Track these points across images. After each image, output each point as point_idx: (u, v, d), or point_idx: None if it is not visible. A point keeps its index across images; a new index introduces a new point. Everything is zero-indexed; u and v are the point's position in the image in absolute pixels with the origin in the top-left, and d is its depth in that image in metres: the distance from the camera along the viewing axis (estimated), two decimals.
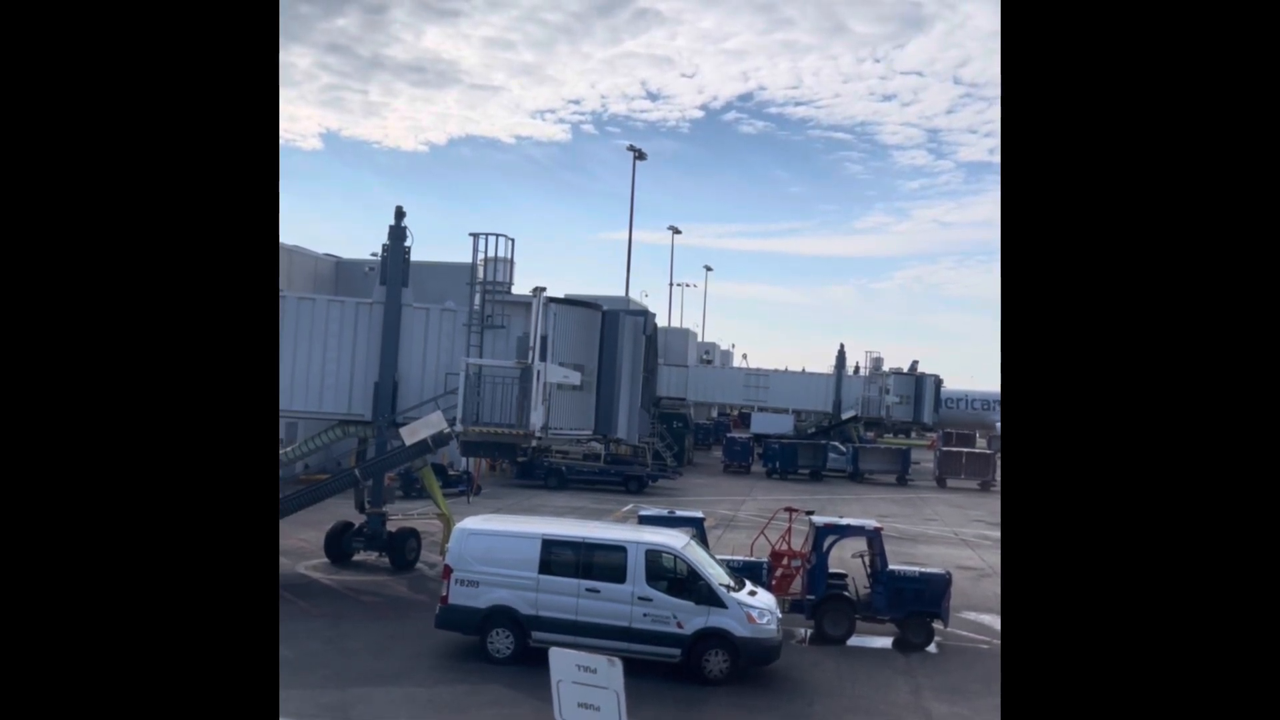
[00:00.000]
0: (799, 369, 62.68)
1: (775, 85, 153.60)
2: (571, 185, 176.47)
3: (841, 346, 59.35)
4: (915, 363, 64.23)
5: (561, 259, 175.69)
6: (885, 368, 62.66)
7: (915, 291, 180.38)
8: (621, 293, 53.40)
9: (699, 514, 18.71)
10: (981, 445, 58.55)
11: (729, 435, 51.52)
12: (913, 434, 72.47)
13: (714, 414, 65.80)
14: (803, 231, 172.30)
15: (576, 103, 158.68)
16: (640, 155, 56.94)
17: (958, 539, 30.24)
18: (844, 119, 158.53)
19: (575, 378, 19.51)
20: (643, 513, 18.27)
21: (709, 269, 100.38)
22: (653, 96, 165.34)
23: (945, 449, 49.38)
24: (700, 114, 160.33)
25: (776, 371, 62.98)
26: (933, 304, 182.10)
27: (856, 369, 61.65)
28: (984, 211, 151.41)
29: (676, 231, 79.47)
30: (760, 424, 60.71)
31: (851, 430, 59.20)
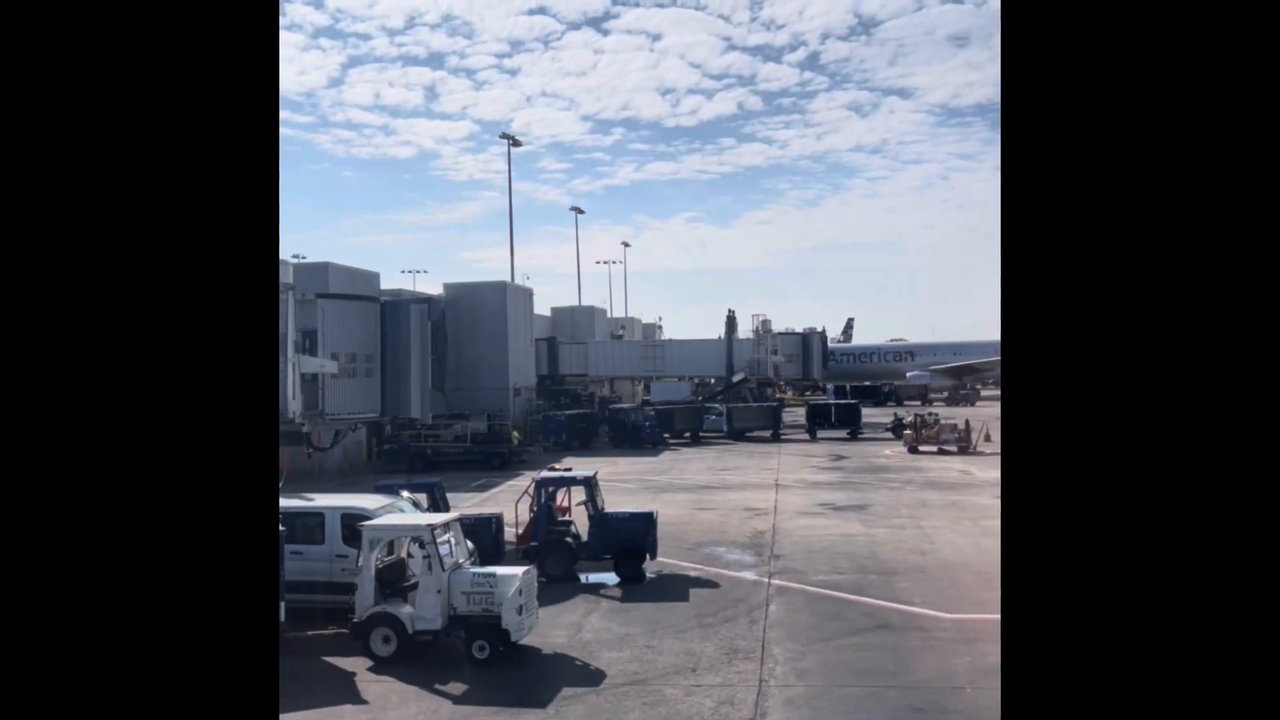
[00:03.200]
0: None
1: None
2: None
3: (731, 311, 61.54)
4: (850, 320, 65.95)
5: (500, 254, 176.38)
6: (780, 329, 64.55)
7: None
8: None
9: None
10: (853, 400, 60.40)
11: (611, 408, 53.28)
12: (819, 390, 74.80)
13: (606, 389, 67.68)
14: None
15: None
16: (515, 143, 58.63)
17: (774, 484, 32.49)
18: None
19: (332, 367, 21.39)
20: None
21: (626, 245, 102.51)
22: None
23: (814, 402, 51.56)
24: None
25: (671, 341, 65.09)
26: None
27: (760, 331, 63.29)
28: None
29: (580, 212, 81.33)
30: (659, 393, 62.81)
31: (745, 392, 61.48)
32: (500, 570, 14.73)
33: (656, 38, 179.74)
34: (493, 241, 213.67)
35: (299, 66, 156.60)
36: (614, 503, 23.54)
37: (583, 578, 19.10)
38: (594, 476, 20.03)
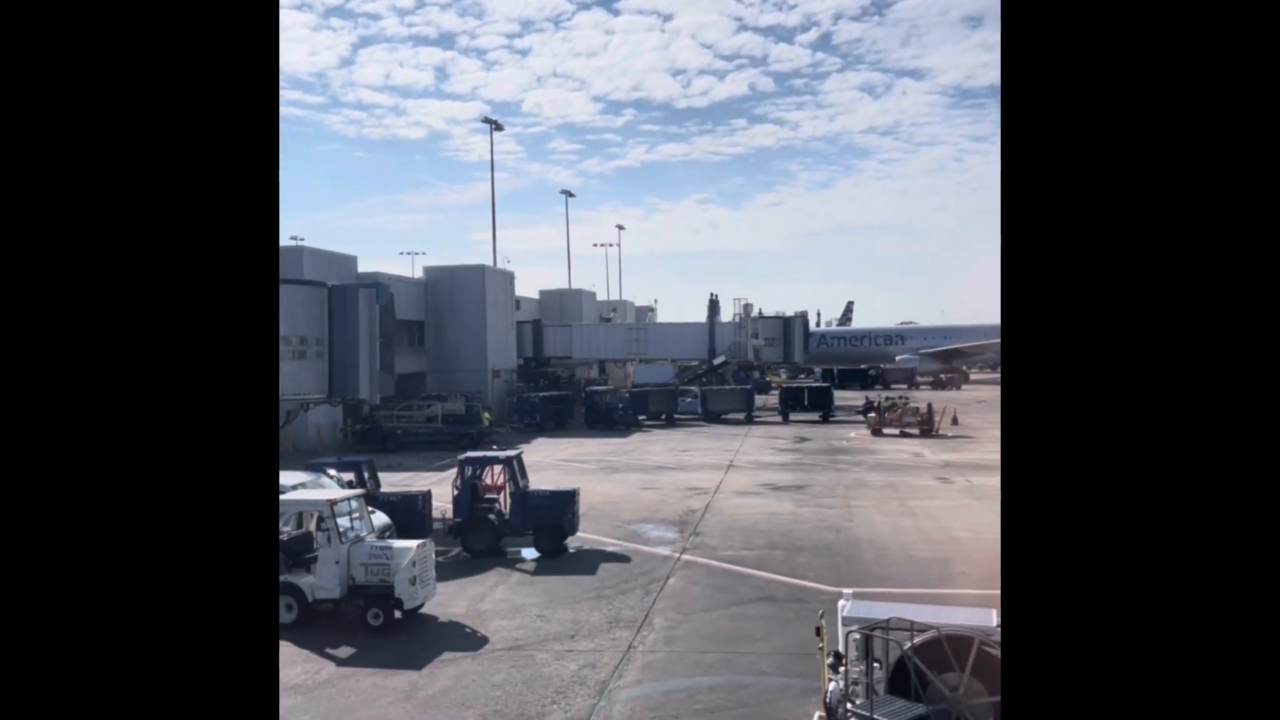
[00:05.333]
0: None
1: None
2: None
3: (713, 295, 62.06)
4: (850, 304, 65.90)
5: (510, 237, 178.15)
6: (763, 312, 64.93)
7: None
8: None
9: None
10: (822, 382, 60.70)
11: (588, 390, 53.99)
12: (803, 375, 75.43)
13: (594, 372, 68.44)
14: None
15: None
16: (498, 126, 59.23)
17: (727, 465, 33.20)
18: None
19: None
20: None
21: (621, 228, 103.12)
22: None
23: (786, 386, 52.09)
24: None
25: (654, 324, 65.74)
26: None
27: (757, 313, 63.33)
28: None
29: (570, 195, 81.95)
30: (642, 375, 63.46)
31: (728, 374, 62.10)
32: (396, 543, 15.53)
33: (668, 18, 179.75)
34: (503, 222, 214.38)
35: (310, 46, 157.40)
36: (567, 482, 24.24)
37: (509, 553, 19.91)
38: (518, 456, 20.80)
